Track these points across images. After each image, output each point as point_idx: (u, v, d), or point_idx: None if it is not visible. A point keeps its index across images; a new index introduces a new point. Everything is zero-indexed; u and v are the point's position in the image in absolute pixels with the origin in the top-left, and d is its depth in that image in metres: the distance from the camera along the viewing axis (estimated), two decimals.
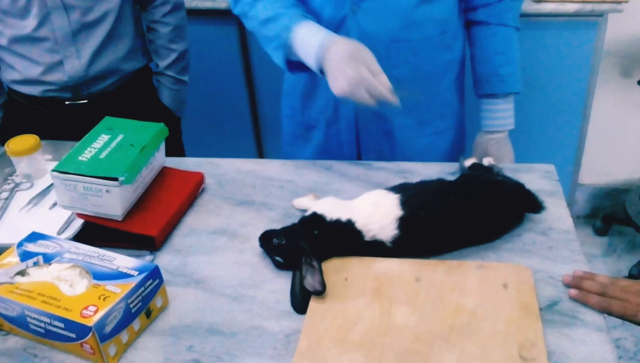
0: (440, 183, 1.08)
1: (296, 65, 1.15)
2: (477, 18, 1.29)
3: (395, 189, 1.03)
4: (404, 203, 0.98)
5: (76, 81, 1.51)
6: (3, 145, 1.53)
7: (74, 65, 1.49)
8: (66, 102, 1.54)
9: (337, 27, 1.20)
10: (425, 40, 1.24)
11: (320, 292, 0.91)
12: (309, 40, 1.07)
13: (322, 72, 1.08)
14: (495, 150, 1.34)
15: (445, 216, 0.98)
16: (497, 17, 1.27)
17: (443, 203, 1.00)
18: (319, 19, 1.19)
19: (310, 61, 1.08)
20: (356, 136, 1.33)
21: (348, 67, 1.01)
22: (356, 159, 1.35)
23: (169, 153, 1.23)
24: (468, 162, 1.17)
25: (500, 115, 1.32)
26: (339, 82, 1.03)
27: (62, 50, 1.47)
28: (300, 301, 0.91)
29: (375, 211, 0.98)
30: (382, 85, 1.03)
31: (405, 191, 1.02)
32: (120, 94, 1.58)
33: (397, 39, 1.22)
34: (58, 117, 1.55)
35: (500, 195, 1.04)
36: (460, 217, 0.99)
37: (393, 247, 0.97)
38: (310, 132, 1.38)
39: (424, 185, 1.06)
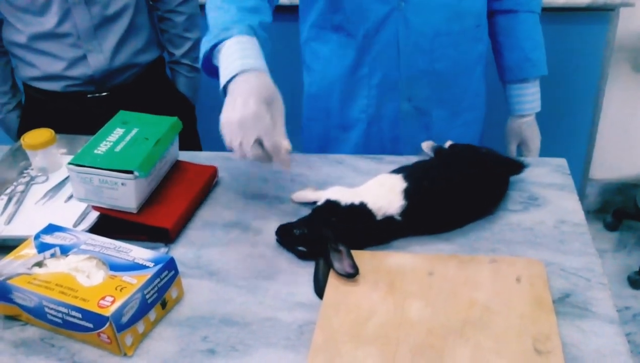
0: (436, 159, 1.15)
1: (209, 68, 1.05)
2: (504, 7, 1.33)
3: (397, 171, 1.09)
4: (407, 177, 1.05)
5: (101, 74, 1.52)
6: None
7: (98, 58, 1.50)
8: (88, 95, 1.55)
9: (382, 21, 1.21)
10: (464, 33, 1.27)
11: (353, 275, 0.92)
12: (234, 53, 0.97)
13: (224, 92, 0.97)
14: (530, 133, 1.42)
15: (445, 186, 1.04)
16: (525, 4, 1.32)
17: (443, 174, 1.08)
18: (363, 15, 1.21)
19: (224, 73, 0.96)
20: (399, 132, 1.35)
21: (253, 101, 0.90)
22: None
23: (184, 141, 1.24)
24: (427, 146, 1.21)
25: (531, 98, 1.39)
26: (230, 113, 0.91)
27: (85, 44, 1.47)
28: (323, 288, 0.93)
29: (382, 189, 1.04)
30: (280, 140, 0.92)
31: (406, 169, 1.09)
32: (138, 86, 1.60)
33: (440, 33, 1.24)
34: (78, 112, 1.55)
35: (489, 163, 1.11)
36: (458, 187, 1.04)
37: (403, 221, 1.00)
38: (348, 133, 1.38)
39: (423, 162, 1.14)
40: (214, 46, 1.01)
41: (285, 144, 0.92)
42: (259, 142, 0.92)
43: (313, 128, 1.44)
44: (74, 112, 1.55)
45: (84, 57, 1.49)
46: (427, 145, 1.20)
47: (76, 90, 1.54)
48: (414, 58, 1.25)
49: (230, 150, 0.93)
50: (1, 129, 1.72)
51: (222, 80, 0.96)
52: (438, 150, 1.18)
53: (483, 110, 1.43)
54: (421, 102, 1.31)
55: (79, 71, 1.51)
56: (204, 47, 1.03)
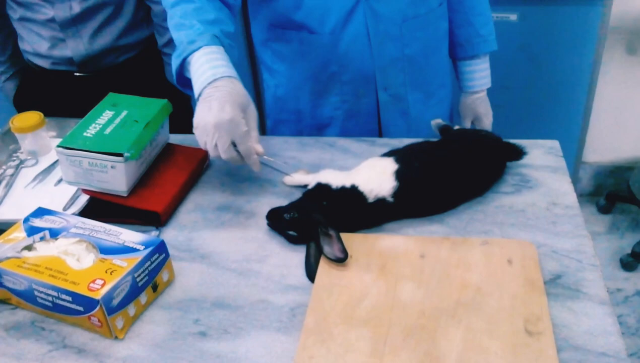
0: (428, 142, 1.14)
1: (184, 82, 1.09)
2: None
3: (387, 154, 1.08)
4: (398, 160, 1.04)
5: (80, 58, 1.55)
6: (19, 109, 1.62)
7: (76, 43, 1.53)
8: (75, 74, 1.58)
9: (348, 15, 1.19)
10: (430, 14, 1.26)
11: (343, 259, 0.92)
12: (204, 63, 1.00)
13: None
14: (483, 109, 1.43)
15: (437, 167, 1.04)
16: None
17: (435, 155, 1.06)
18: (327, 10, 1.18)
19: (197, 82, 1.00)
20: (377, 123, 1.34)
21: (230, 107, 0.95)
22: None
23: (178, 123, 1.24)
24: (435, 123, 1.20)
25: (483, 74, 1.39)
26: (206, 115, 0.95)
27: (63, 31, 1.51)
28: (315, 271, 0.93)
29: (373, 171, 1.03)
30: (253, 145, 0.99)
31: (398, 152, 1.08)
32: (130, 66, 1.61)
33: (407, 17, 1.23)
34: (68, 89, 1.59)
35: (484, 147, 1.10)
36: (450, 168, 1.04)
37: (395, 203, 1.00)
38: (323, 131, 1.36)
39: (414, 145, 1.13)
40: (184, 60, 1.04)
41: (259, 149, 0.99)
42: (233, 145, 0.98)
43: (284, 131, 1.40)
44: (64, 88, 1.59)
45: (64, 40, 1.53)
46: (435, 123, 1.19)
47: (62, 69, 1.58)
48: (386, 47, 1.23)
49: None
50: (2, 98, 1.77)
51: (197, 90, 1.00)
52: (444, 129, 1.17)
53: (451, 87, 1.43)
54: (397, 89, 1.30)
55: (60, 52, 1.55)
56: (175, 63, 1.06)
